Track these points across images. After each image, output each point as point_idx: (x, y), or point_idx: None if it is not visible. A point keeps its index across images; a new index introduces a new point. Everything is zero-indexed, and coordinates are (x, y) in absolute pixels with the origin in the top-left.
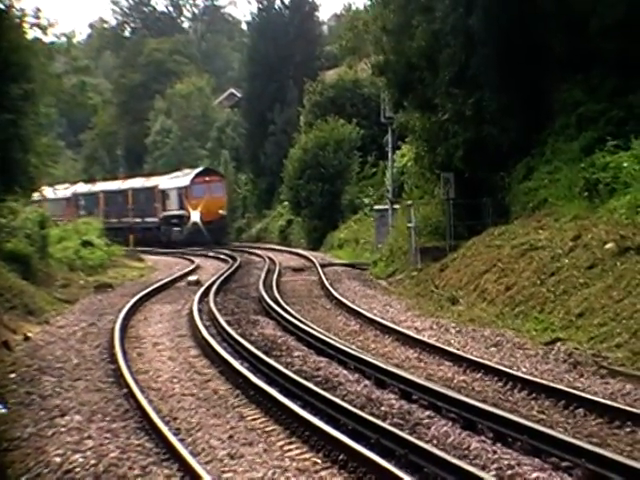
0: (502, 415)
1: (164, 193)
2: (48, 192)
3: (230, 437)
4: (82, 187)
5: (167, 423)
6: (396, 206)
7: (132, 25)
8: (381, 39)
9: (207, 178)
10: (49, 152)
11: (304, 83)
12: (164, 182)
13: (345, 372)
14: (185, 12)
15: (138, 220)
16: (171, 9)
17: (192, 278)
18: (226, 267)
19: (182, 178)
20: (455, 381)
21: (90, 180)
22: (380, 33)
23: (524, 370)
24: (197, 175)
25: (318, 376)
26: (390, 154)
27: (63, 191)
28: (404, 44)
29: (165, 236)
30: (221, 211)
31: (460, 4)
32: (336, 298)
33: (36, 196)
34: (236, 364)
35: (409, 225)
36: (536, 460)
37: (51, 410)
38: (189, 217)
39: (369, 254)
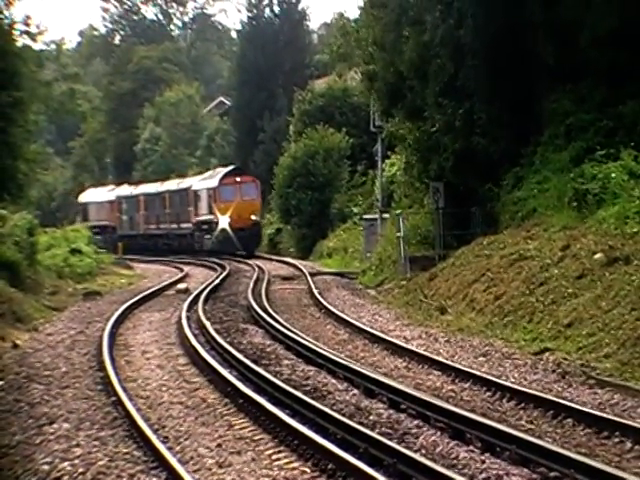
0: (490, 425)
1: (196, 196)
2: (92, 195)
3: (218, 445)
4: (125, 190)
5: (155, 431)
6: (385, 215)
7: (122, 33)
8: (371, 51)
9: (238, 179)
10: (38, 159)
11: (294, 92)
12: (196, 183)
13: (334, 381)
14: (175, 20)
15: (174, 226)
16: (161, 17)
17: (181, 286)
18: (215, 275)
19: (211, 179)
20: (444, 390)
21: (134, 182)
22: (371, 46)
23: (513, 380)
24: (226, 175)
25: (307, 385)
26: (379, 163)
27: (107, 193)
28: (394, 56)
29: (198, 244)
30: (254, 217)
31: (450, 15)
32: (325, 307)
33: (82, 200)
34: (225, 372)
35: (398, 234)
36: (524, 470)
37: (39, 418)
38: (217, 223)
39: (358, 263)
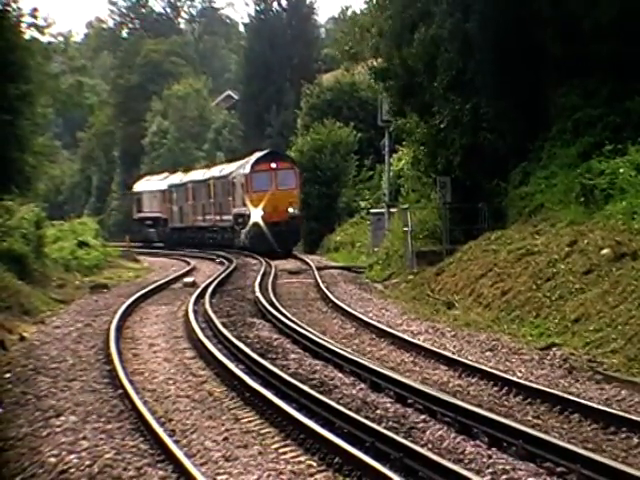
0: (497, 420)
1: (233, 184)
2: (146, 183)
3: (225, 439)
4: (176, 177)
5: (162, 424)
6: (392, 210)
7: (129, 26)
8: (379, 44)
9: (273, 165)
10: (46, 152)
11: (301, 86)
12: (235, 170)
13: (341, 375)
14: (183, 13)
15: (217, 218)
16: (169, 10)
17: (188, 280)
18: (222, 269)
19: (245, 165)
20: (450, 385)
21: (186, 168)
22: (378, 38)
23: (519, 375)
24: (258, 161)
25: (314, 379)
26: (387, 157)
27: (159, 182)
28: (402, 49)
29: (237, 239)
30: (291, 209)
31: (457, 9)
32: (332, 301)
33: (136, 189)
34: (231, 366)
35: (405, 229)
36: (531, 465)
37: (46, 410)
38: (249, 216)
39: (365, 257)
